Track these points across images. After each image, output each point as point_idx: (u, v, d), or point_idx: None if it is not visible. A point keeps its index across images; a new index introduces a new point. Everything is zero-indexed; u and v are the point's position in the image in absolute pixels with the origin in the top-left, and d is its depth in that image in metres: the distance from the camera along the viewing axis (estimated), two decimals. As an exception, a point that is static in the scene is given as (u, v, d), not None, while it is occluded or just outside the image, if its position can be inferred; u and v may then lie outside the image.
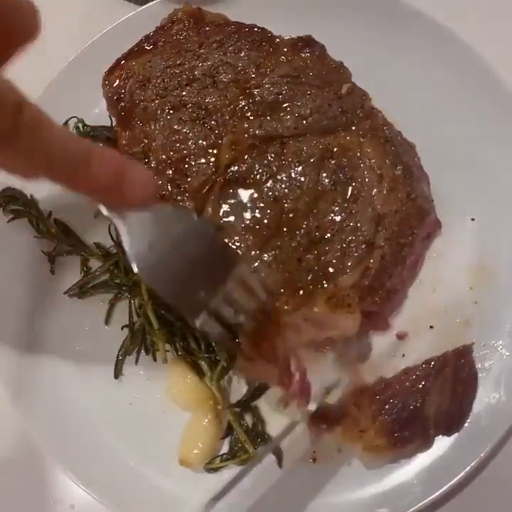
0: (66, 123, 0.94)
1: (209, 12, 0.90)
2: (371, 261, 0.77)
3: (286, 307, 0.73)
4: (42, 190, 0.94)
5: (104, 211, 0.55)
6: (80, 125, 0.94)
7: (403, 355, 0.84)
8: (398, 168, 0.79)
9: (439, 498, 0.77)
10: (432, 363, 0.80)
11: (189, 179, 0.79)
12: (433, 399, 0.77)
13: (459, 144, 0.91)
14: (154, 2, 0.95)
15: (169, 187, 0.79)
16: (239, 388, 0.84)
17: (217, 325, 0.62)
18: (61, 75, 0.96)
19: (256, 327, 0.68)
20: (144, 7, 0.97)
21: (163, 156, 0.80)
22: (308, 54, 0.83)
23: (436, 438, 0.79)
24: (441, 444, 0.79)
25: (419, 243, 0.83)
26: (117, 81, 0.87)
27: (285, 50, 0.84)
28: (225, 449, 0.83)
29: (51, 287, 0.92)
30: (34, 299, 0.92)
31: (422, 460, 0.79)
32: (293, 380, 0.72)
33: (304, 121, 0.79)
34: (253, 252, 0.76)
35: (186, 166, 0.80)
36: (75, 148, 0.50)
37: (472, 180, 0.89)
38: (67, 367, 0.89)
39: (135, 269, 0.55)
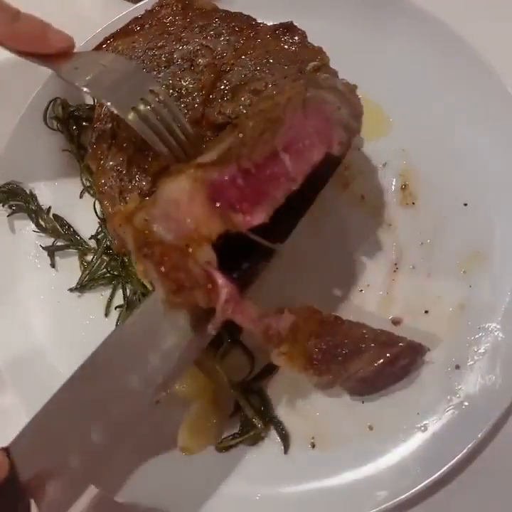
0: (50, 103, 0.96)
1: (200, -2, 0.92)
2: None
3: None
4: (41, 185, 0.95)
5: (41, 64, 0.76)
6: (63, 105, 0.96)
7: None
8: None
9: (438, 480, 0.78)
10: (387, 336, 0.80)
11: (149, 159, 0.79)
12: (361, 360, 0.78)
13: (449, 131, 0.92)
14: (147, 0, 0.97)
15: (127, 166, 0.80)
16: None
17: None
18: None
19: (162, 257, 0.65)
20: (139, 4, 0.98)
21: (128, 134, 0.81)
22: (287, 39, 0.84)
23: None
24: (439, 425, 0.80)
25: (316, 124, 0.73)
26: None
27: (267, 36, 0.85)
28: (235, 430, 0.84)
29: (51, 281, 0.94)
30: (34, 294, 0.93)
31: (419, 441, 0.80)
32: (219, 290, 0.65)
33: (258, 97, 0.78)
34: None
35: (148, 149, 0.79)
36: (6, 7, 0.73)
37: (464, 166, 0.90)
38: (69, 360, 0.89)
39: (85, 89, 0.73)
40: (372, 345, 0.78)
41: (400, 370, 0.80)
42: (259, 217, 0.67)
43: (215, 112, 0.79)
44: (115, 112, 0.72)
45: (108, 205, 0.81)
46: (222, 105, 0.79)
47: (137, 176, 0.80)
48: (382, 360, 0.78)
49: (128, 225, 0.66)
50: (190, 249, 0.64)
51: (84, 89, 0.73)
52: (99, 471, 0.74)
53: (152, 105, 0.72)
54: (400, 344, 0.79)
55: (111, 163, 0.82)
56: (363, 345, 0.77)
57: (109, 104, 0.72)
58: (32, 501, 0.69)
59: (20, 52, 0.75)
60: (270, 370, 0.85)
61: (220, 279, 0.65)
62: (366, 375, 0.78)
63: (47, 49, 0.75)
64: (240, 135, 0.67)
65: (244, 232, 0.67)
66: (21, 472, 0.69)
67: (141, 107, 0.71)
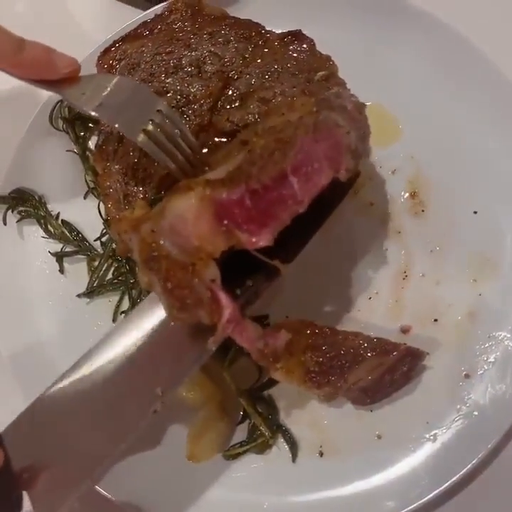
0: (57, 104, 0.97)
1: (208, 5, 0.92)
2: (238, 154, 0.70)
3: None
4: (49, 189, 0.96)
5: (47, 89, 0.77)
6: (69, 106, 0.97)
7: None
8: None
9: (448, 490, 0.77)
10: (384, 344, 0.79)
11: (155, 164, 0.80)
12: (360, 370, 0.77)
13: (459, 138, 0.91)
14: (159, 6, 0.97)
15: (133, 170, 0.81)
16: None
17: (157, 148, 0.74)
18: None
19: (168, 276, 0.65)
20: (148, 11, 0.99)
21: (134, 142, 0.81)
22: (295, 47, 0.84)
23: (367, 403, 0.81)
24: (448, 435, 0.79)
25: (320, 156, 0.72)
26: (110, 62, 0.89)
27: (275, 43, 0.85)
28: (242, 437, 0.84)
29: (59, 287, 0.94)
30: (43, 300, 0.93)
31: (428, 451, 0.79)
32: (222, 310, 0.66)
33: (266, 107, 0.78)
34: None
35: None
36: (10, 37, 0.73)
37: (473, 173, 0.90)
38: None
39: (93, 114, 0.74)
40: (370, 354, 0.77)
41: (400, 377, 0.80)
42: (265, 238, 0.66)
43: (223, 119, 0.80)
44: (125, 134, 0.74)
45: (112, 207, 0.81)
46: (231, 113, 0.79)
47: (142, 180, 0.80)
48: (380, 369, 0.77)
49: (134, 233, 0.67)
50: (196, 267, 0.64)
51: (93, 113, 0.73)
52: (97, 470, 0.72)
53: (160, 124, 0.73)
54: (398, 351, 0.78)
55: (116, 166, 0.82)
56: (361, 355, 0.77)
57: (118, 127, 0.73)
58: (25, 494, 0.68)
59: (26, 80, 0.77)
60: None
61: (224, 299, 0.66)
62: (367, 384, 0.78)
63: (53, 75, 0.76)
64: (250, 153, 0.66)
65: (249, 250, 0.67)
66: (14, 462, 0.68)
67: (150, 128, 0.73)
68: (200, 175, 0.71)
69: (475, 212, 0.89)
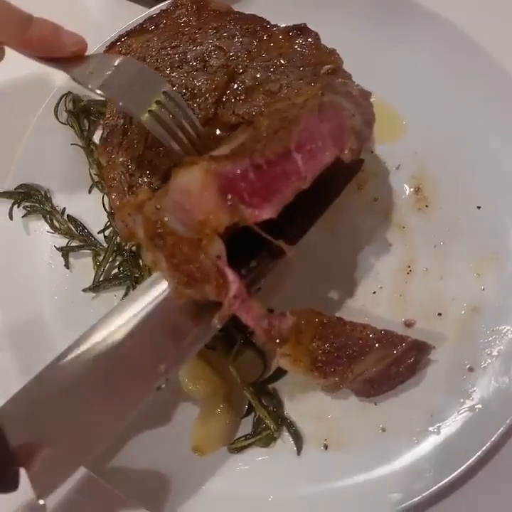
0: (62, 97, 0.98)
1: (213, 0, 0.92)
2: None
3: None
4: (54, 183, 0.96)
5: (54, 67, 0.76)
6: (74, 99, 0.98)
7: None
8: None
9: (452, 483, 0.77)
10: (391, 336, 0.79)
11: (161, 156, 0.81)
12: (366, 361, 0.77)
13: (463, 133, 0.92)
14: (164, 3, 0.98)
15: (138, 162, 0.82)
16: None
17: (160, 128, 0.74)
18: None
19: (173, 251, 0.66)
20: (153, 8, 0.99)
21: (139, 131, 0.82)
22: (300, 41, 0.84)
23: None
24: (452, 428, 0.80)
25: (322, 139, 0.72)
26: None
27: (280, 37, 0.85)
28: (247, 431, 0.84)
29: (65, 282, 0.94)
30: (48, 295, 0.94)
31: (432, 443, 0.80)
32: (228, 285, 0.66)
33: (272, 99, 0.79)
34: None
35: (160, 146, 0.81)
36: (19, 13, 0.73)
37: (477, 168, 0.90)
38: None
39: (99, 91, 0.73)
40: (377, 345, 0.78)
41: (405, 369, 0.80)
42: (268, 212, 0.67)
43: (229, 112, 0.80)
44: (130, 113, 0.73)
45: (116, 199, 0.82)
46: (236, 106, 0.80)
47: (148, 172, 0.81)
48: (387, 360, 0.78)
49: (139, 214, 0.67)
50: (202, 242, 0.64)
51: (98, 91, 0.73)
52: (96, 448, 0.72)
53: (165, 105, 0.73)
54: (404, 343, 0.79)
55: (121, 158, 0.83)
56: (368, 346, 0.77)
57: (122, 105, 0.73)
58: (22, 471, 0.67)
59: (34, 57, 0.76)
60: (283, 371, 0.85)
61: (230, 275, 0.66)
62: (372, 375, 0.78)
63: (60, 53, 0.76)
64: (255, 131, 0.67)
65: (254, 228, 0.68)
66: (11, 438, 0.68)
67: (155, 108, 0.72)
68: None
69: (478, 207, 0.89)
